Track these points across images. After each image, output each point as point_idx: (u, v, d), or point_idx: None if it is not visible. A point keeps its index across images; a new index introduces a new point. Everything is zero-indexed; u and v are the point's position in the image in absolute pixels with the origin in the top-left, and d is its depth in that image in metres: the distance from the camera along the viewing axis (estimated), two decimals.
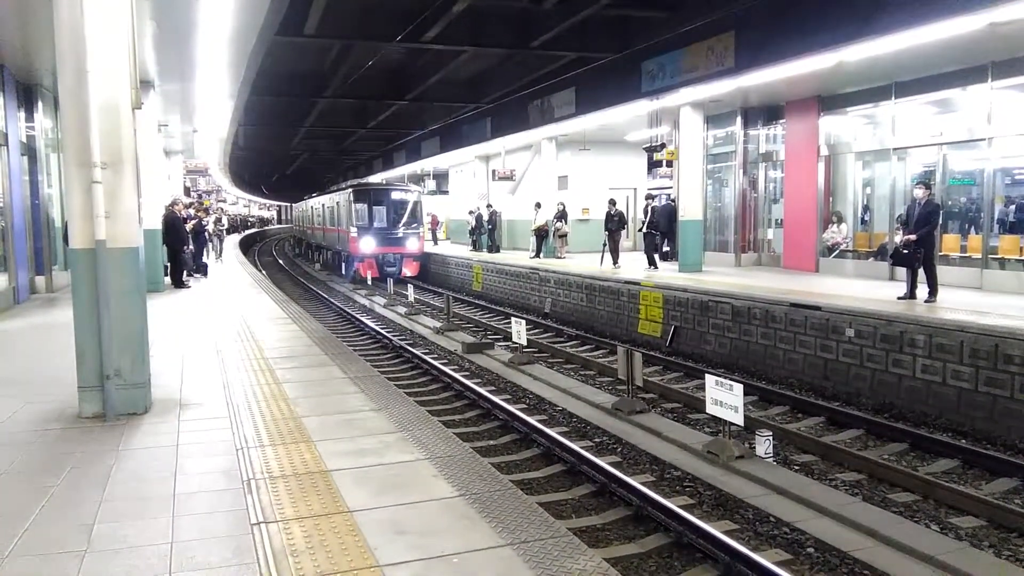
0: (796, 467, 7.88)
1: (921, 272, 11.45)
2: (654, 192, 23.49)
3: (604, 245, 20.11)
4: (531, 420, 9.05)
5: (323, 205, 35.16)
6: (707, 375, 8.02)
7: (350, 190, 28.09)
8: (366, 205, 27.51)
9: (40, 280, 15.26)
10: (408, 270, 27.32)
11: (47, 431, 6.09)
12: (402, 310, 19.43)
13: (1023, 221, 13.30)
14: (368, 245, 26.71)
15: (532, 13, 14.53)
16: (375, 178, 40.33)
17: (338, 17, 14.28)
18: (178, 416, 6.47)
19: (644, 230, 19.04)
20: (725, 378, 7.86)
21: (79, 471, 5.14)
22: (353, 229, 27.02)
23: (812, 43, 11.37)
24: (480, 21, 15.03)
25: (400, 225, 27.45)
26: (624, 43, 15.74)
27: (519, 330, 12.19)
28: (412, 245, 27.48)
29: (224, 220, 36.62)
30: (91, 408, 6.37)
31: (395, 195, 28.17)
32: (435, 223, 36.41)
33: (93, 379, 6.33)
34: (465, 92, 22.25)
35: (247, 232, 63.95)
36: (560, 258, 22.48)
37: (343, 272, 29.99)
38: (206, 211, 28.92)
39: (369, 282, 25.36)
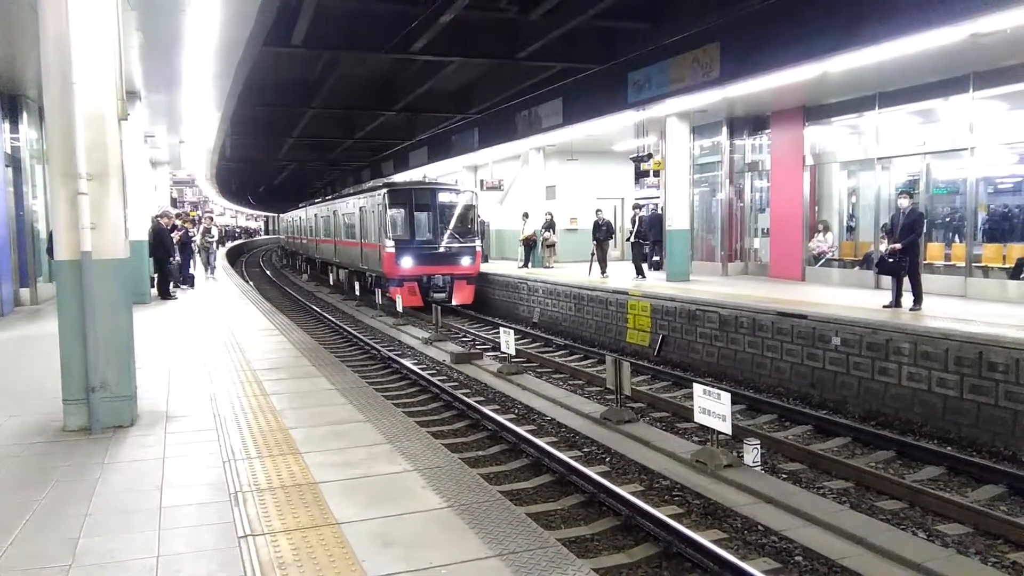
0: (784, 475, 7.90)
1: (906, 280, 11.54)
2: (641, 202, 23.65)
3: (592, 255, 20.19)
4: (520, 430, 9.04)
5: (335, 213, 28.74)
6: (695, 384, 8.04)
7: (384, 191, 21.42)
8: (405, 210, 21.25)
9: (25, 292, 15.13)
10: (459, 296, 21.17)
11: (31, 444, 6.03)
12: (390, 320, 19.38)
13: (1005, 229, 13.44)
14: (409, 263, 20.60)
15: (519, 24, 14.59)
16: (404, 177, 31.24)
17: (326, 28, 14.28)
18: (164, 429, 6.42)
19: (632, 240, 19.11)
20: (713, 387, 7.88)
21: (64, 485, 5.09)
22: (388, 242, 20.64)
23: (796, 54, 11.48)
24: (468, 32, 15.08)
25: (450, 236, 21.30)
26: (610, 54, 15.83)
27: (508, 340, 12.18)
28: (466, 262, 21.16)
29: (214, 231, 32.59)
30: (76, 421, 6.31)
31: (443, 196, 21.78)
32: None
33: (78, 392, 6.28)
34: (453, 103, 22.29)
35: (232, 244, 63.57)
36: (548, 268, 22.52)
37: (374, 298, 21.82)
38: (192, 222, 28.51)
39: (399, 308, 19.24)
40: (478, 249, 21.68)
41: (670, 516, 6.49)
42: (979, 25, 9.36)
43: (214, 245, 27.17)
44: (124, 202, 6.53)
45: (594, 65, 16.34)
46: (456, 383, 12.36)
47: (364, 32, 14.92)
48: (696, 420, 7.87)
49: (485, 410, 10.04)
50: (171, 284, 17.77)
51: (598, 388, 11.77)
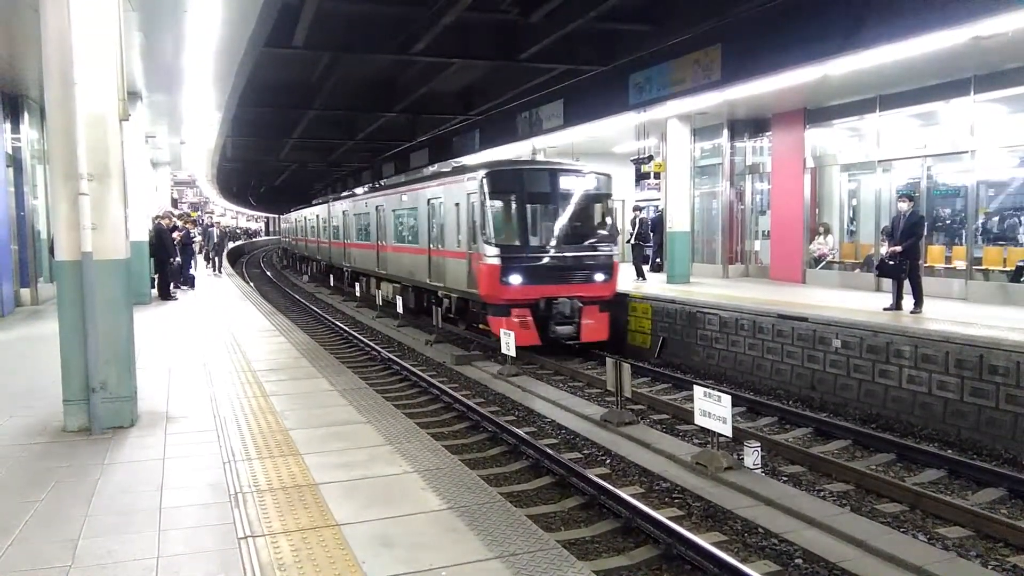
0: (784, 478, 7.89)
1: (907, 283, 11.54)
2: (642, 204, 23.62)
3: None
4: (520, 432, 9.04)
5: (378, 209, 22.43)
6: (696, 386, 8.04)
7: (482, 174, 14.47)
8: (513, 202, 14.57)
9: (25, 292, 15.14)
10: (591, 329, 14.20)
11: (32, 445, 6.03)
12: (391, 322, 19.37)
13: (1005, 231, 13.43)
14: (520, 280, 13.90)
15: (520, 26, 14.58)
16: (490, 155, 23.20)
17: (327, 29, 14.28)
18: (164, 429, 6.42)
19: (632, 242, 19.10)
20: (713, 389, 7.88)
21: (64, 485, 5.09)
22: (489, 250, 13.89)
23: (797, 56, 11.48)
24: (468, 33, 15.08)
25: (577, 240, 14.66)
26: (611, 56, 15.83)
27: (508, 342, 12.17)
28: (600, 279, 14.46)
29: (215, 232, 32.57)
30: (76, 421, 6.32)
31: (568, 181, 14.96)
32: None
33: (78, 392, 6.28)
34: (454, 104, 22.27)
35: (233, 244, 63.66)
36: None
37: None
38: (194, 223, 28.63)
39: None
40: (615, 260, 14.78)
41: (670, 518, 6.49)
42: (980, 28, 9.36)
43: (221, 245, 27.44)
44: (125, 203, 6.54)
45: (595, 67, 16.34)
46: (456, 384, 12.35)
47: (365, 33, 14.92)
48: (696, 422, 7.87)
49: (485, 411, 10.04)
50: (171, 285, 17.77)
51: (598, 390, 11.76)
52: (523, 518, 4.50)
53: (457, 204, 15.42)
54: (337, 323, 19.26)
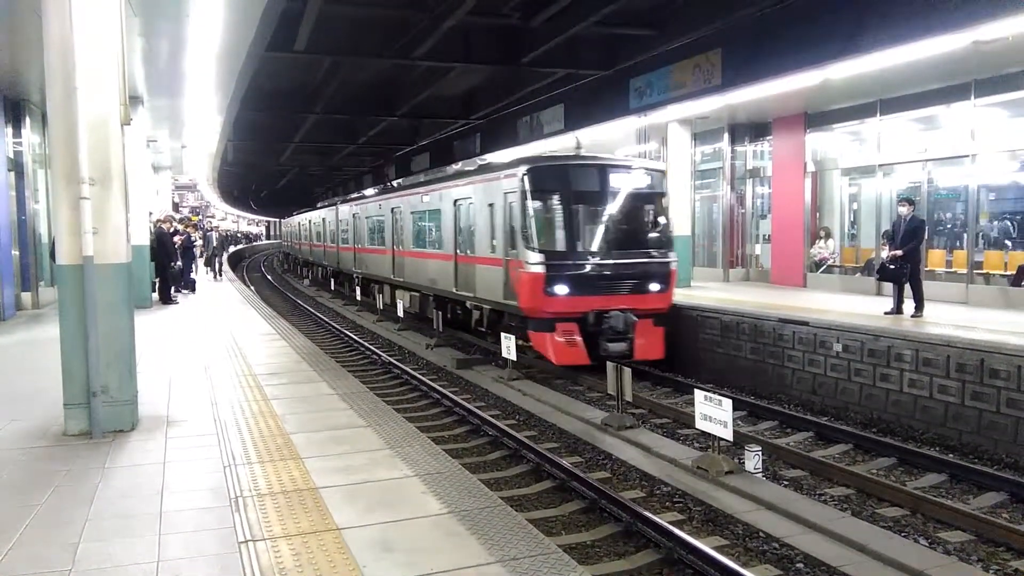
0: (785, 482, 7.88)
1: (907, 287, 11.54)
2: None
3: None
4: (520, 436, 9.03)
5: (394, 211, 20.37)
6: (696, 390, 8.03)
7: (523, 170, 12.68)
8: (558, 202, 12.85)
9: (26, 296, 15.16)
10: (645, 345, 12.62)
11: (32, 448, 6.03)
12: (392, 326, 19.37)
13: (1007, 236, 13.44)
14: (566, 290, 12.23)
15: (521, 30, 14.61)
16: (510, 153, 20.78)
17: (328, 33, 14.31)
18: (165, 433, 6.42)
19: None
20: (714, 393, 7.87)
21: (65, 489, 5.09)
22: (532, 257, 12.20)
23: (797, 61, 11.50)
24: (470, 38, 15.11)
25: (630, 245, 12.97)
26: (612, 60, 15.86)
27: (508, 346, 12.17)
28: (655, 289, 12.78)
29: (215, 236, 32.41)
30: (77, 425, 6.32)
31: (619, 178, 13.15)
32: None
33: (79, 396, 6.28)
34: (455, 108, 22.30)
35: (234, 248, 63.75)
36: None
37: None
38: (195, 227, 28.68)
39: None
40: (672, 267, 13.05)
41: (671, 523, 6.48)
42: (980, 32, 9.38)
43: (221, 249, 27.27)
44: (126, 207, 6.55)
45: (596, 71, 16.37)
46: (457, 388, 12.35)
47: (366, 37, 14.96)
48: (697, 426, 7.86)
49: (486, 415, 10.03)
50: (172, 289, 17.79)
51: (599, 394, 11.76)
52: (524, 522, 4.50)
53: (491, 205, 13.69)
54: (338, 327, 19.26)
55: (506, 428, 9.40)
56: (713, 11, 12.57)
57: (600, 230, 12.82)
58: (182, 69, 13.00)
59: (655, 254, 12.94)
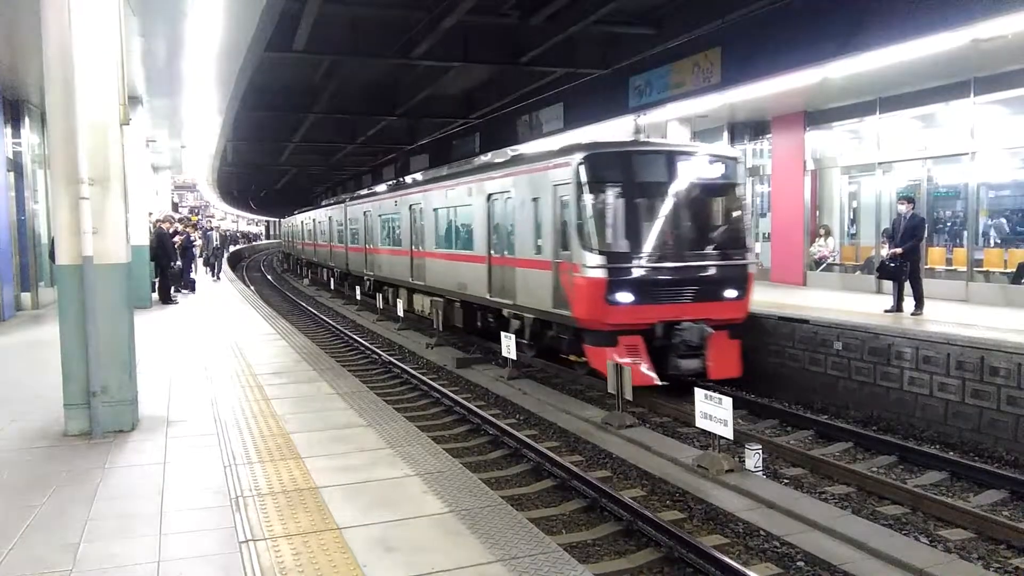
0: (785, 480, 7.88)
1: (907, 285, 11.54)
2: None
3: None
4: (521, 435, 9.04)
5: (412, 208, 18.66)
6: (696, 389, 8.03)
7: (579, 157, 11.04)
8: (623, 195, 11.12)
9: (26, 296, 15.15)
10: (720, 361, 10.86)
11: (33, 449, 6.03)
12: (392, 325, 19.37)
13: (1006, 233, 13.44)
14: (630, 298, 10.68)
15: (520, 29, 14.63)
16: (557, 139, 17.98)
17: (327, 33, 14.33)
18: (165, 433, 6.42)
19: None
20: (714, 392, 7.87)
21: (65, 489, 5.09)
22: (591, 259, 10.65)
23: (796, 59, 11.51)
24: (469, 37, 15.12)
25: (703, 246, 11.43)
26: (611, 59, 15.87)
27: (509, 345, 12.18)
28: (730, 294, 11.21)
29: (215, 237, 31.82)
30: (77, 426, 6.32)
31: (689, 166, 11.36)
32: None
33: (79, 396, 6.28)
34: (454, 107, 22.32)
35: (234, 248, 63.77)
36: None
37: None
38: (194, 227, 28.59)
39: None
40: (751, 270, 11.51)
41: (671, 521, 6.49)
42: (980, 30, 9.38)
43: (220, 250, 26.82)
44: (126, 207, 6.55)
45: (595, 70, 16.38)
46: (457, 388, 12.35)
47: (366, 37, 14.97)
48: (698, 425, 7.86)
49: (486, 414, 10.04)
50: (172, 289, 17.79)
51: (599, 392, 11.76)
52: (524, 521, 4.50)
53: (536, 199, 12.05)
54: (338, 327, 19.26)
55: (506, 427, 9.40)
56: (712, 10, 12.59)
57: (669, 227, 11.11)
58: (181, 69, 13.00)
59: (731, 255, 11.26)
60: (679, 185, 11.16)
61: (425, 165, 30.04)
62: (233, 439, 6.14)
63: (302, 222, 40.55)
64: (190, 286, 20.24)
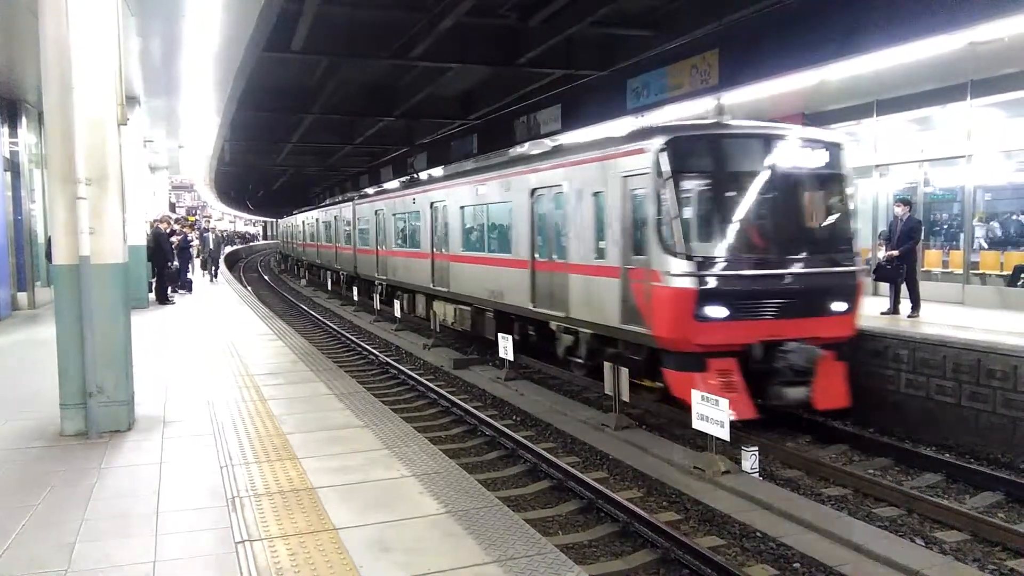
0: (782, 482, 7.89)
1: (904, 287, 11.56)
2: None
3: None
4: (517, 436, 9.04)
5: (434, 206, 16.89)
6: (693, 391, 8.03)
7: (658, 143, 9.08)
8: (714, 188, 9.54)
9: (22, 296, 15.13)
10: (828, 388, 9.11)
11: (28, 449, 6.02)
12: (389, 326, 19.36)
13: (1003, 236, 13.48)
14: (723, 313, 8.80)
15: (518, 31, 14.64)
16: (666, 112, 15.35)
17: (326, 33, 14.33)
18: (162, 433, 6.42)
19: None
20: (710, 393, 7.87)
21: (61, 489, 5.08)
22: (676, 265, 8.78)
23: (794, 61, 11.52)
24: (467, 38, 15.12)
25: (809, 249, 9.47)
26: (609, 61, 15.88)
27: (506, 346, 12.17)
28: (838, 307, 9.32)
29: (212, 237, 31.43)
30: (73, 426, 6.31)
31: (788, 153, 9.44)
32: None
33: (76, 396, 6.27)
34: (452, 109, 22.33)
35: (230, 249, 63.72)
36: None
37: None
38: (191, 226, 28.51)
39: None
40: (860, 278, 9.65)
41: (668, 523, 6.49)
42: (977, 33, 9.40)
43: (218, 251, 26.46)
44: (123, 207, 6.54)
45: (593, 72, 16.39)
46: (454, 388, 12.34)
47: (364, 38, 14.97)
48: (694, 426, 7.86)
49: (483, 415, 10.03)
50: (169, 289, 17.77)
51: (596, 394, 11.76)
52: (521, 522, 4.50)
53: (597, 194, 10.31)
54: (335, 327, 19.25)
55: (503, 428, 9.40)
56: (710, 12, 12.60)
57: (770, 226, 9.44)
58: (179, 69, 12.99)
59: (839, 259, 9.41)
60: (780, 175, 9.33)
61: (423, 166, 30.01)
62: (230, 439, 6.13)
63: (303, 222, 38.58)
64: (187, 286, 20.22)
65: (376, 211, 22.27)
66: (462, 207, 15.39)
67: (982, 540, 6.47)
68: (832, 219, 9.87)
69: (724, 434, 7.39)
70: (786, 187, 9.50)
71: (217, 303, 18.05)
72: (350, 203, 26.45)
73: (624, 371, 9.43)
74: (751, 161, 9.39)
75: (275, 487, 5.00)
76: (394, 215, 20.50)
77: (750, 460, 7.89)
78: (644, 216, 9.31)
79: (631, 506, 6.71)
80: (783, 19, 11.52)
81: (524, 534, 4.30)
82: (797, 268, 9.13)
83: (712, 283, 8.72)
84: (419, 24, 13.87)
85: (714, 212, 9.36)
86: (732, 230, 9.18)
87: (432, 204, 16.95)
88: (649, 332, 9.21)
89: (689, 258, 8.74)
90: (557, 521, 6.95)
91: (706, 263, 8.80)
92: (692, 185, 9.19)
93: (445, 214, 16.22)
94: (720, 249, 9.06)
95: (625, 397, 9.51)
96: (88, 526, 4.47)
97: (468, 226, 15.34)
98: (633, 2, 13.36)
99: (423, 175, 22.46)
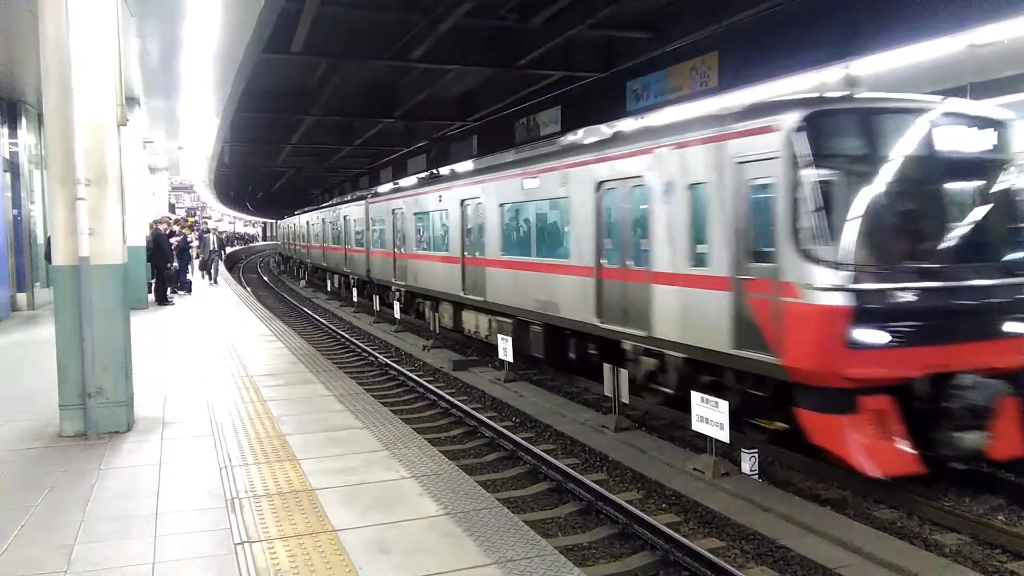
0: (781, 484, 7.88)
1: None
2: None
3: None
4: (517, 438, 9.03)
5: (464, 204, 14.98)
6: (692, 392, 8.03)
7: (792, 120, 7.03)
8: (865, 176, 7.11)
9: (22, 297, 15.13)
10: (1012, 431, 7.06)
11: (28, 450, 6.02)
12: (389, 327, 19.35)
13: None
14: (884, 339, 6.73)
15: (518, 32, 14.65)
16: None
17: (325, 35, 14.34)
18: (161, 434, 6.41)
19: None
20: (710, 395, 7.87)
21: (60, 490, 5.08)
22: (820, 275, 6.74)
23: (794, 64, 11.53)
24: (467, 40, 15.14)
25: (981, 256, 7.48)
26: (609, 63, 15.90)
27: (506, 347, 12.17)
28: (1017, 329, 7.14)
29: (212, 238, 31.00)
30: (73, 426, 6.31)
31: (952, 134, 7.34)
32: None
33: (75, 397, 6.27)
34: (452, 110, 22.36)
35: (230, 250, 63.70)
36: None
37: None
38: (191, 228, 28.45)
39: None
40: None
41: (667, 524, 6.48)
42: (976, 36, 9.41)
43: (219, 253, 26.12)
44: (122, 208, 6.54)
45: (593, 73, 16.41)
46: (454, 390, 12.34)
47: (363, 39, 14.99)
48: (694, 428, 7.85)
49: (482, 417, 10.02)
50: (169, 290, 17.78)
51: (595, 395, 11.75)
52: (520, 524, 4.50)
53: (694, 186, 8.40)
54: (334, 328, 19.24)
55: (503, 430, 9.39)
56: (710, 14, 12.61)
57: (937, 227, 7.54)
58: (179, 70, 13.00)
59: (1019, 268, 7.45)
60: (944, 162, 7.46)
61: (422, 167, 30.01)
62: (229, 441, 6.13)
63: (307, 222, 36.05)
64: (186, 287, 20.22)
65: (393, 210, 20.14)
66: (501, 204, 13.38)
67: (982, 543, 6.45)
68: (1004, 215, 7.75)
69: (723, 436, 7.39)
70: (952, 175, 7.69)
71: (216, 304, 18.05)
72: (362, 202, 24.45)
73: (623, 372, 9.40)
74: (912, 143, 7.34)
75: (274, 488, 5.00)
76: (415, 214, 18.33)
77: (750, 462, 7.88)
78: (771, 214, 7.35)
79: (631, 508, 6.69)
80: (783, 22, 11.54)
81: (523, 536, 4.29)
82: (971, 279, 7.20)
83: (870, 299, 6.81)
84: (419, 25, 13.87)
85: (873, 208, 7.14)
86: (892, 231, 7.42)
87: (463, 202, 14.98)
88: (777, 361, 7.27)
89: (840, 267, 6.79)
90: (556, 523, 6.94)
91: (863, 274, 6.84)
92: (838, 174, 7.15)
93: (479, 213, 14.23)
94: (877, 256, 7.15)
95: (625, 399, 9.51)
96: (87, 527, 4.47)
97: (509, 226, 13.37)
98: (633, 4, 13.37)
99: (445, 170, 20.92)
